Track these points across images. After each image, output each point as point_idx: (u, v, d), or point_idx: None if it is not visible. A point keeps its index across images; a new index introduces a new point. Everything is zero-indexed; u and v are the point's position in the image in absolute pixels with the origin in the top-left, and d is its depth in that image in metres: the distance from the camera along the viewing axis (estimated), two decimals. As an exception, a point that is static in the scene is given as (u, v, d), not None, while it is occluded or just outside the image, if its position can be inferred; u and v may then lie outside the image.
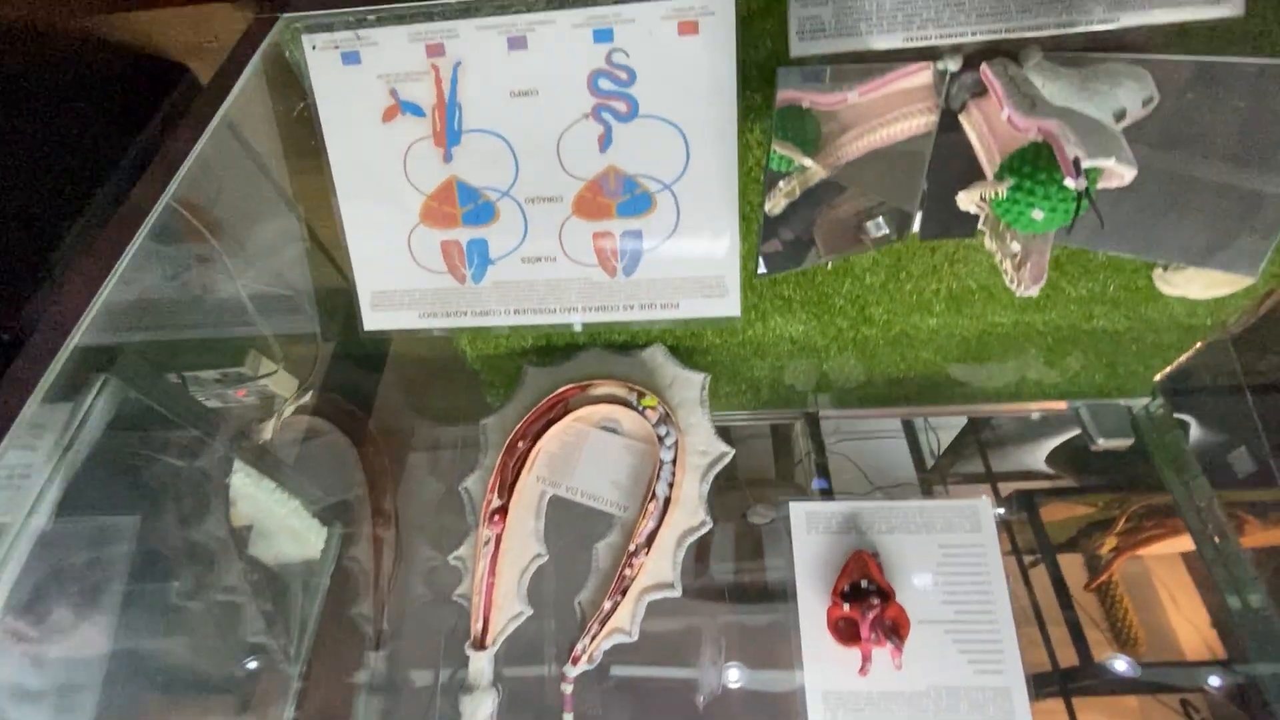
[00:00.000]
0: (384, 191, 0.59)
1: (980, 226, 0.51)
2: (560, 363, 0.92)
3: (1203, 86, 0.49)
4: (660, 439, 0.84)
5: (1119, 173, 0.44)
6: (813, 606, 0.79)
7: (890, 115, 0.53)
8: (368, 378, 0.91)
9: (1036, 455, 1.56)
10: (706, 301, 0.64)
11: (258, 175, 0.69)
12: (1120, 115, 0.55)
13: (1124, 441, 1.00)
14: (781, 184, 0.64)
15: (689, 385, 0.90)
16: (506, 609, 0.82)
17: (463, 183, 0.60)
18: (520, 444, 0.85)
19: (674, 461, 0.83)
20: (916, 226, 0.61)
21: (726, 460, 0.86)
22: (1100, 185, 0.45)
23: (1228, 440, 1.12)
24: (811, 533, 0.84)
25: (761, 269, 0.61)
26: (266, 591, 0.70)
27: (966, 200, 0.47)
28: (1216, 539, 0.99)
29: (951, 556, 0.81)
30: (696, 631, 0.81)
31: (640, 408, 0.86)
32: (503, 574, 0.83)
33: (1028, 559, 1.75)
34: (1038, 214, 0.44)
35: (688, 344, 0.91)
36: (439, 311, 0.65)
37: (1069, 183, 0.42)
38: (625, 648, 0.79)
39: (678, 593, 0.81)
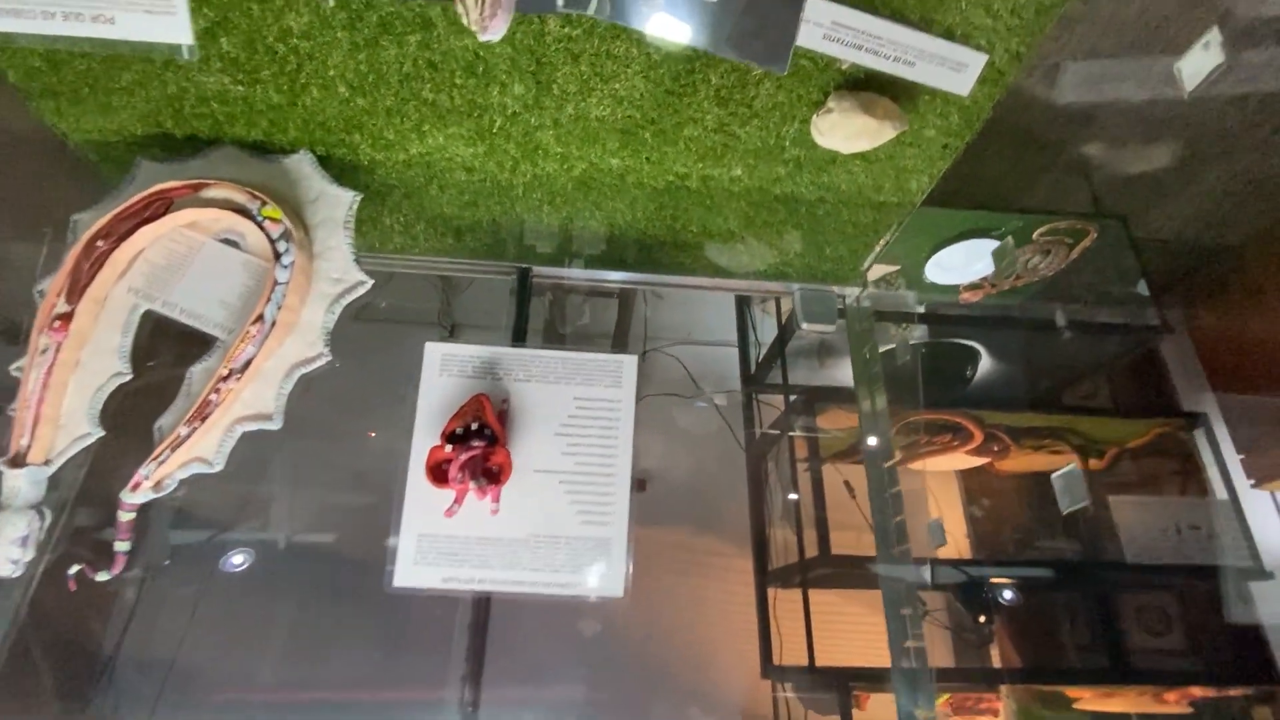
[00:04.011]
0: None
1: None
2: (185, 159, 0.77)
3: None
4: (278, 256, 0.73)
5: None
6: (423, 449, 0.73)
7: None
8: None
9: (845, 370, 1.58)
10: (149, 19, 0.51)
11: None
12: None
13: (827, 327, 0.98)
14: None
15: (335, 204, 0.78)
16: (71, 428, 0.71)
17: None
18: (100, 243, 0.71)
19: (289, 284, 0.72)
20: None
21: (362, 290, 0.76)
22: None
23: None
24: (444, 374, 0.77)
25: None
26: None
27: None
28: (883, 461, 1.00)
29: (585, 410, 0.77)
30: (297, 467, 0.74)
31: (260, 218, 0.74)
32: (71, 391, 0.71)
33: (803, 466, 1.83)
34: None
35: (342, 156, 0.79)
36: None
37: None
38: (208, 479, 0.71)
39: (276, 425, 0.72)
